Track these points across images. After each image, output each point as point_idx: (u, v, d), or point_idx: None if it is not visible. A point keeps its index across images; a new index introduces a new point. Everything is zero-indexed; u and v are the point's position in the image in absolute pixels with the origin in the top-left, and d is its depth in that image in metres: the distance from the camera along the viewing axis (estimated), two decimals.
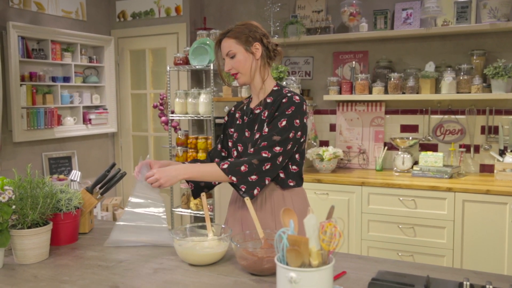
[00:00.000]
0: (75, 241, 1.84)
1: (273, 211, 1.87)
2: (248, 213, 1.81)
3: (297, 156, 1.90)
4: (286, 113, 1.80)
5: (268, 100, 1.89)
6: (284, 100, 1.83)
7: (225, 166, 1.75)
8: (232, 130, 2.00)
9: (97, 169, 4.74)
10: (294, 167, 1.90)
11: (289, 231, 1.16)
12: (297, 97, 1.84)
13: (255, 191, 1.76)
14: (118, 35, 4.88)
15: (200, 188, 2.04)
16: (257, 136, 1.85)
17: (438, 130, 3.69)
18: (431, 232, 3.15)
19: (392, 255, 3.24)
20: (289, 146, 1.80)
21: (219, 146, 2.09)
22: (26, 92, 3.97)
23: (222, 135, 2.09)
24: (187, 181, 2.02)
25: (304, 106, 1.84)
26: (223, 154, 2.08)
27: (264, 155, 1.75)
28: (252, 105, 1.97)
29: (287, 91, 1.88)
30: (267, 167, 1.76)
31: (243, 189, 1.75)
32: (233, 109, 2.07)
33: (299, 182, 1.94)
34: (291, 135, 1.79)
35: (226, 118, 2.08)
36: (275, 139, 1.77)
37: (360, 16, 3.70)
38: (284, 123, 1.79)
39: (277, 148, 1.77)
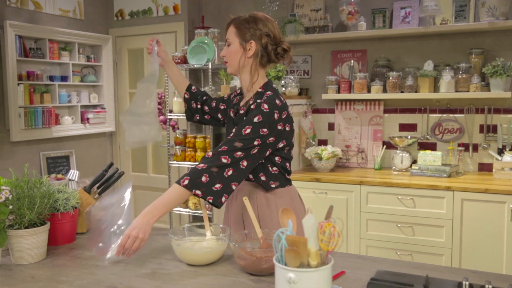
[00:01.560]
0: (73, 241, 1.84)
1: (258, 213, 1.84)
2: (245, 213, 1.81)
3: (276, 158, 1.84)
4: (253, 121, 1.72)
5: (251, 102, 1.82)
6: (252, 107, 1.77)
7: (186, 182, 1.63)
8: (222, 116, 2.11)
9: (95, 169, 4.73)
10: (274, 168, 1.85)
11: (288, 231, 1.15)
12: (266, 106, 1.74)
13: (223, 199, 1.67)
14: (116, 34, 4.86)
15: (192, 109, 2.21)
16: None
17: (437, 129, 3.69)
18: (430, 231, 3.15)
19: (390, 254, 3.24)
20: (255, 151, 1.71)
21: (214, 103, 2.16)
22: (23, 91, 3.95)
23: (220, 101, 2.15)
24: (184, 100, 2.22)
25: (276, 115, 1.74)
26: (222, 107, 2.13)
27: (223, 160, 1.66)
28: (242, 103, 1.94)
29: (266, 96, 1.79)
30: (230, 173, 1.67)
31: (211, 200, 1.65)
32: (233, 95, 2.09)
33: (284, 182, 1.90)
34: (255, 142, 1.70)
35: (226, 96, 2.15)
36: (237, 145, 1.68)
37: (358, 15, 3.69)
38: (248, 131, 1.70)
39: (238, 153, 1.68)
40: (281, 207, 1.80)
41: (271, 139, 1.75)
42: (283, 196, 1.89)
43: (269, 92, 1.81)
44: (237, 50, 1.85)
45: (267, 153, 1.78)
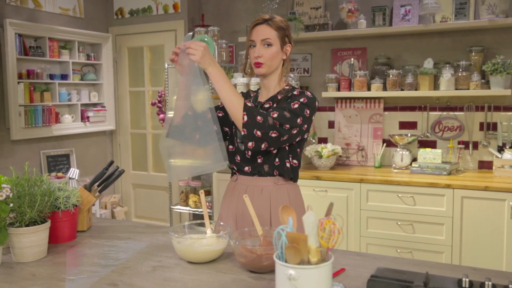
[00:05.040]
0: (74, 239, 1.84)
1: (271, 202, 1.88)
2: (245, 210, 1.81)
3: (298, 150, 1.93)
4: (300, 100, 1.81)
5: (279, 97, 1.91)
6: (295, 93, 1.88)
7: (249, 104, 1.73)
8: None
9: (95, 167, 4.73)
10: (295, 161, 1.92)
11: (288, 228, 1.15)
12: (309, 93, 1.88)
13: (250, 144, 1.73)
14: (116, 32, 4.86)
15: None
16: None
17: (437, 127, 3.69)
18: (430, 229, 3.15)
19: (391, 252, 3.25)
20: (295, 132, 1.79)
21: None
22: (23, 90, 3.95)
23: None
24: None
25: (316, 103, 1.88)
26: (219, 115, 2.00)
27: (275, 123, 1.73)
28: (261, 99, 1.96)
29: (299, 91, 1.91)
30: (273, 135, 1.74)
31: (243, 133, 1.71)
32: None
33: (296, 177, 1.97)
34: (299, 120, 1.79)
35: (221, 104, 2.00)
36: (286, 114, 1.76)
37: (358, 13, 3.69)
38: (296, 106, 1.79)
39: (287, 126, 1.75)
40: (293, 200, 1.91)
41: (305, 126, 1.83)
42: (295, 190, 1.97)
43: (298, 89, 1.94)
44: (278, 52, 1.87)
45: (298, 138, 1.85)
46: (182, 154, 1.76)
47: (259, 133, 1.71)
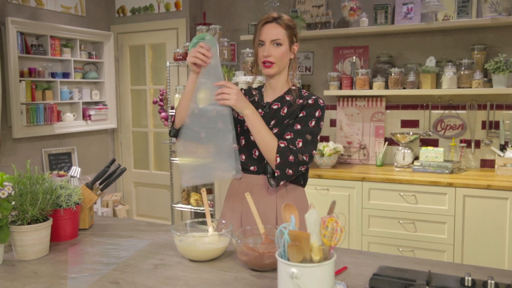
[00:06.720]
0: (75, 237, 1.84)
1: (277, 201, 1.88)
2: (248, 208, 1.81)
3: None
4: (315, 115, 1.84)
5: (287, 98, 1.89)
6: (310, 102, 1.86)
7: (282, 145, 1.75)
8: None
9: (97, 165, 4.73)
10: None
11: (290, 226, 1.15)
12: (321, 101, 1.88)
13: (282, 182, 1.79)
14: (118, 31, 4.86)
15: None
16: (274, 131, 1.84)
17: (439, 125, 3.68)
18: (432, 228, 3.15)
19: (392, 250, 3.24)
20: (315, 150, 1.84)
21: None
22: (25, 88, 3.96)
23: None
24: None
25: (324, 111, 1.91)
26: None
27: (304, 158, 1.77)
28: (268, 99, 1.94)
29: (306, 92, 1.91)
30: (302, 169, 1.79)
31: (277, 174, 1.75)
32: (242, 91, 1.99)
33: (305, 182, 1.98)
34: (318, 137, 1.85)
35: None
36: (307, 137, 1.80)
37: (360, 11, 3.68)
38: (313, 123, 1.83)
39: (314, 151, 1.82)
40: (299, 202, 1.91)
41: (318, 137, 1.87)
42: (302, 193, 1.96)
43: (304, 90, 1.94)
44: (287, 51, 1.86)
45: None
46: (196, 156, 1.75)
47: (290, 171, 1.76)
